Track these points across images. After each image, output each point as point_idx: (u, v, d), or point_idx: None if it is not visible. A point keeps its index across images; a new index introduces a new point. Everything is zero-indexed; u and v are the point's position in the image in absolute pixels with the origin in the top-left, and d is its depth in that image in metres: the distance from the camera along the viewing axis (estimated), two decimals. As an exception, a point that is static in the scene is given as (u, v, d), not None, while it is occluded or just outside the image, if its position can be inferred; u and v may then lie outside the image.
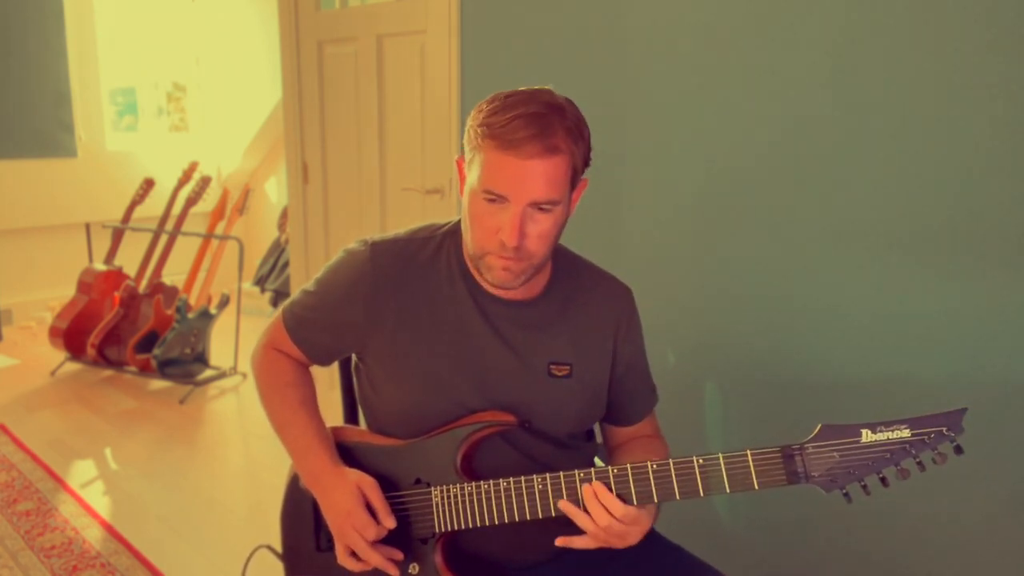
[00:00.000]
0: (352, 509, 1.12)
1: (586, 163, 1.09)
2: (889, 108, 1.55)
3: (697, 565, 1.23)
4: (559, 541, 1.07)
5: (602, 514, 1.02)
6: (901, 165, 1.55)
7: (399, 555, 1.14)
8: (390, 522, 1.13)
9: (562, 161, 1.03)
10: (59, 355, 3.86)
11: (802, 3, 1.64)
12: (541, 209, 1.05)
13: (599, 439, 1.37)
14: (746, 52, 1.73)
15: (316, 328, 1.24)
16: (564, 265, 1.22)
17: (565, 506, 1.05)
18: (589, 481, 1.05)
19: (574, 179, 1.08)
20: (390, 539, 1.14)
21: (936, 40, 1.48)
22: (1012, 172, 1.42)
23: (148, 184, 4.00)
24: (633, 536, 1.05)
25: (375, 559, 1.12)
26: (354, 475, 1.15)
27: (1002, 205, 1.44)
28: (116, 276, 3.88)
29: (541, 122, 1.01)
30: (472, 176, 1.07)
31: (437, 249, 1.21)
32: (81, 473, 2.80)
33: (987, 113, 1.44)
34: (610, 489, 1.03)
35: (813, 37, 1.63)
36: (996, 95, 1.42)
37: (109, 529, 2.39)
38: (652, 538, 1.28)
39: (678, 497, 1.00)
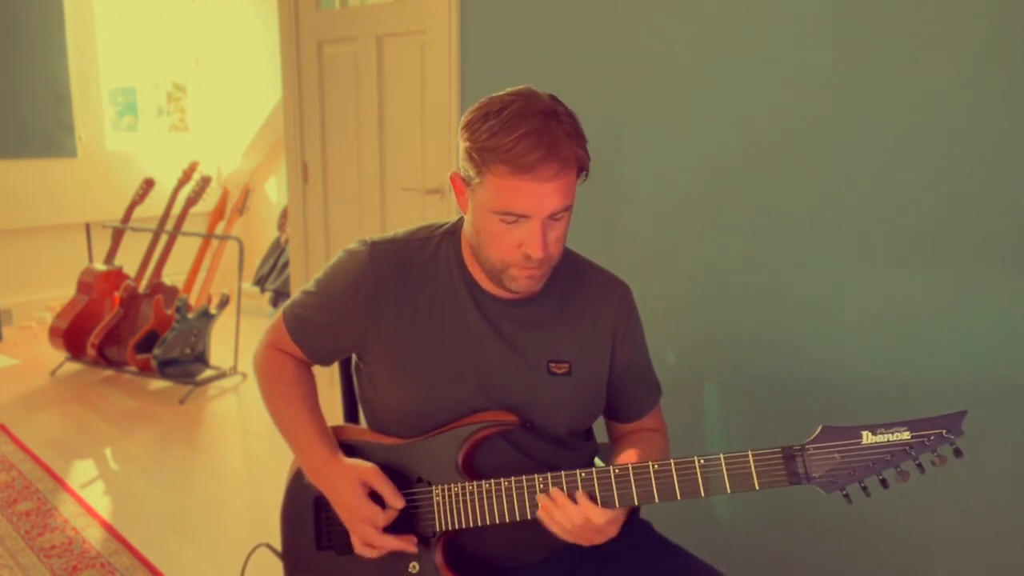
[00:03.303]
0: (356, 504, 1.13)
1: (589, 156, 1.09)
2: (890, 107, 1.55)
3: (697, 565, 1.23)
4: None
5: (565, 520, 1.04)
6: (901, 164, 1.55)
7: (413, 539, 1.15)
8: (399, 502, 1.14)
9: (573, 171, 1.05)
10: (59, 355, 3.86)
11: (808, 7, 1.63)
12: (555, 217, 1.06)
13: (602, 437, 1.37)
14: (745, 50, 1.73)
15: (317, 328, 1.24)
16: (563, 263, 1.22)
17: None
18: (590, 481, 1.05)
19: (580, 174, 1.08)
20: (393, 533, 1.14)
21: (937, 39, 1.48)
22: (1013, 172, 1.42)
23: (148, 184, 4.00)
24: (609, 534, 1.07)
25: (391, 544, 1.13)
26: (353, 467, 1.15)
27: (1003, 205, 1.44)
28: (116, 276, 3.88)
29: (547, 137, 1.01)
30: (482, 197, 1.06)
31: (436, 249, 1.21)
32: (81, 473, 2.80)
33: (988, 113, 1.44)
34: (590, 496, 1.05)
35: (812, 35, 1.63)
36: (997, 95, 1.43)
37: (109, 529, 2.39)
38: (652, 538, 1.28)
39: (679, 497, 1.01)
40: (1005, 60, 1.41)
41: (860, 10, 1.56)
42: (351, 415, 1.45)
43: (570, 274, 1.23)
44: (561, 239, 1.10)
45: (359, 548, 1.15)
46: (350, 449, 1.22)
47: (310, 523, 1.24)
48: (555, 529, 1.06)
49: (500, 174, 1.02)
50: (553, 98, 1.07)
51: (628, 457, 1.17)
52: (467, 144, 1.06)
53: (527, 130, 1.01)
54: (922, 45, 1.50)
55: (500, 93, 1.07)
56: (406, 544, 1.14)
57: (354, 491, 1.13)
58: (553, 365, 1.18)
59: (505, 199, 1.03)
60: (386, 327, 1.18)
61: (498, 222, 1.06)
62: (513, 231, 1.06)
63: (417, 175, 2.67)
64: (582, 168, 1.07)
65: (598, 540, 1.07)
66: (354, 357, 1.30)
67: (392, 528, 1.14)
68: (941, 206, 1.51)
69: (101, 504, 2.56)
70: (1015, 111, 1.41)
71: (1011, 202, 1.43)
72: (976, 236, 1.48)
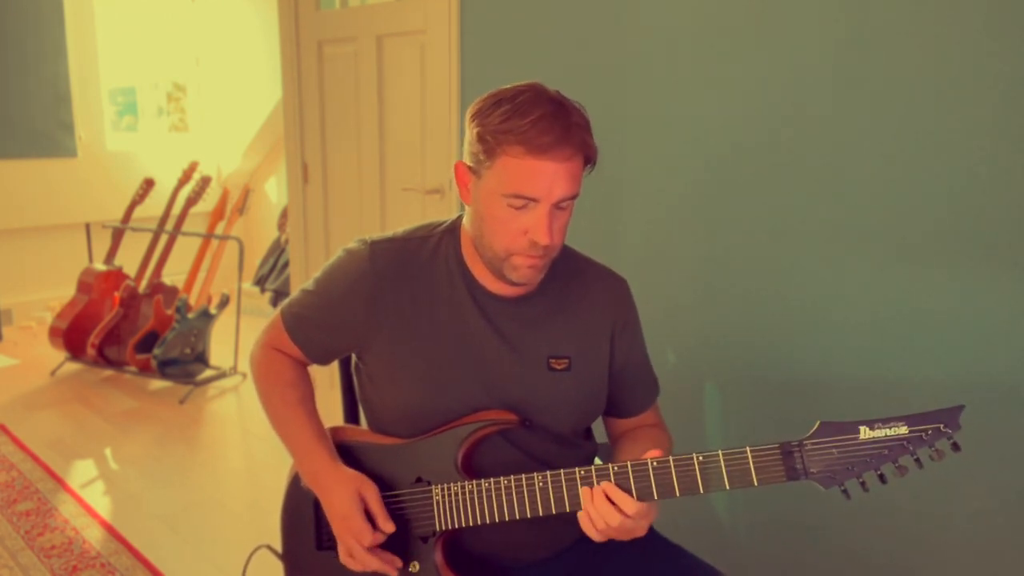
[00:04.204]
0: (349, 513, 1.12)
1: (596, 149, 1.10)
2: (890, 106, 1.55)
3: (697, 565, 1.23)
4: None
5: (613, 514, 1.01)
6: (901, 164, 1.55)
7: (397, 562, 1.14)
8: (388, 527, 1.13)
9: (583, 157, 1.07)
10: (59, 355, 3.86)
11: (808, 7, 1.63)
12: (561, 206, 1.07)
13: (601, 437, 1.37)
14: (746, 49, 1.74)
15: (315, 327, 1.24)
16: (561, 259, 1.22)
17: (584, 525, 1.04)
18: (590, 479, 1.05)
19: (586, 168, 1.09)
20: (391, 537, 1.14)
21: (937, 39, 1.48)
22: (1013, 172, 1.42)
23: (148, 184, 4.00)
24: (641, 530, 1.05)
25: (372, 563, 1.12)
26: (354, 479, 1.15)
27: (1003, 205, 1.44)
28: (116, 276, 3.88)
29: (561, 121, 1.03)
30: (491, 182, 1.06)
31: (435, 248, 1.21)
32: (81, 473, 2.80)
33: (989, 112, 1.44)
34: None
35: (814, 35, 1.63)
36: (997, 95, 1.43)
37: (109, 529, 2.39)
38: (652, 538, 1.28)
39: (678, 494, 1.00)
40: (1004, 60, 1.41)
41: (861, 10, 1.56)
42: (351, 415, 1.44)
43: (568, 270, 1.23)
44: (564, 229, 1.11)
45: (343, 558, 1.15)
46: (349, 450, 1.22)
47: (310, 524, 1.24)
48: (599, 524, 1.03)
49: (516, 155, 1.03)
50: (559, 93, 1.09)
51: (635, 453, 1.16)
52: (478, 129, 1.06)
53: (542, 113, 1.02)
54: (922, 45, 1.50)
55: (507, 86, 1.08)
56: (387, 566, 1.13)
57: (351, 500, 1.13)
58: (553, 361, 1.19)
59: (517, 181, 1.04)
60: (386, 326, 1.18)
61: (506, 207, 1.06)
62: (520, 217, 1.06)
63: (417, 175, 2.67)
64: (589, 159, 1.08)
65: (627, 538, 1.05)
66: (353, 357, 1.30)
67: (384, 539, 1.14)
68: (940, 206, 1.51)
69: (101, 504, 2.56)
70: (1015, 111, 1.41)
71: (1010, 202, 1.43)
72: (975, 236, 1.48)
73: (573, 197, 1.07)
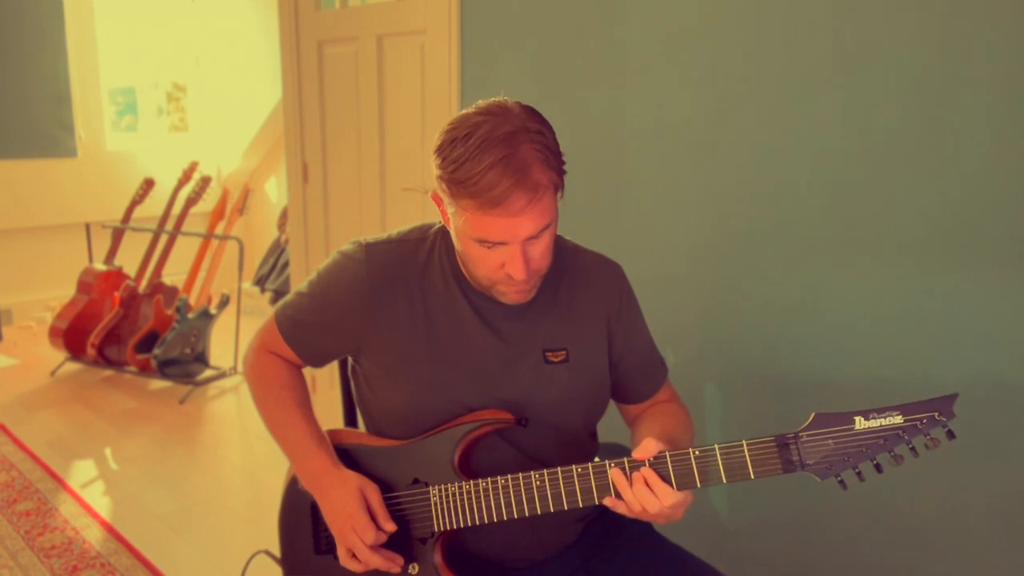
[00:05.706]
0: (353, 511, 1.12)
1: (564, 172, 1.06)
2: (889, 110, 1.55)
3: (697, 565, 1.23)
4: (607, 502, 1.05)
5: (653, 502, 1.01)
6: (900, 169, 1.55)
7: (400, 559, 1.14)
8: (390, 526, 1.13)
9: (547, 194, 1.03)
10: (59, 355, 3.86)
11: (806, 9, 1.64)
12: (536, 236, 1.05)
13: (603, 437, 1.37)
14: (749, 55, 1.74)
15: (310, 330, 1.23)
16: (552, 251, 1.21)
17: (612, 503, 1.04)
18: (587, 476, 1.05)
19: (557, 192, 1.06)
20: (390, 539, 1.14)
21: (938, 44, 1.48)
22: (1011, 175, 1.42)
23: (148, 184, 4.00)
24: (679, 515, 1.04)
25: (375, 561, 1.12)
26: (356, 479, 1.15)
27: (1001, 207, 1.44)
28: (116, 276, 3.89)
29: (515, 164, 0.98)
30: (458, 223, 1.05)
31: (430, 249, 1.21)
32: (81, 473, 2.80)
33: (988, 115, 1.44)
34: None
35: (816, 41, 1.63)
36: (997, 98, 1.43)
37: (109, 529, 2.39)
38: (652, 538, 1.28)
39: (675, 489, 1.00)
40: (1005, 62, 1.41)
41: (857, 14, 1.56)
42: (351, 417, 1.44)
43: (559, 261, 1.21)
44: (547, 252, 1.08)
45: (344, 559, 1.14)
46: (345, 453, 1.22)
47: (308, 527, 1.24)
48: (635, 514, 1.03)
49: (470, 209, 1.01)
50: (524, 112, 1.04)
51: (648, 432, 1.14)
52: (438, 172, 1.04)
53: (493, 160, 0.98)
54: (923, 51, 1.50)
55: (470, 110, 1.05)
56: (390, 564, 1.13)
57: (354, 498, 1.12)
58: (550, 354, 1.18)
59: (479, 230, 1.03)
60: (382, 328, 1.18)
61: (478, 246, 1.05)
62: (494, 254, 1.05)
63: (417, 175, 2.67)
64: (555, 187, 1.04)
65: (663, 522, 1.05)
66: (349, 359, 1.29)
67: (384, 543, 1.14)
68: (938, 205, 1.51)
69: (101, 504, 2.56)
70: (1012, 110, 1.41)
71: (1008, 201, 1.43)
72: (973, 235, 1.48)
73: (546, 227, 1.04)
